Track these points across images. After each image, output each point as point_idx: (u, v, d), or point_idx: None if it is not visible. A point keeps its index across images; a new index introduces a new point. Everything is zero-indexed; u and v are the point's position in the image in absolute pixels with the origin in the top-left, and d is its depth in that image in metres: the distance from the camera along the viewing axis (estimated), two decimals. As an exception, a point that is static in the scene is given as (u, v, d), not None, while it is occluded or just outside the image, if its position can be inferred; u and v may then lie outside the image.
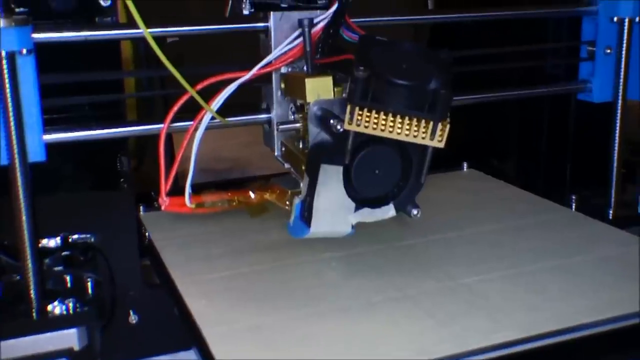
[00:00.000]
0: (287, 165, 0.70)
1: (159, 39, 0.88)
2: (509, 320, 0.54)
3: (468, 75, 0.93)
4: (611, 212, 0.86)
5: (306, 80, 0.62)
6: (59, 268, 0.70)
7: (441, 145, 0.58)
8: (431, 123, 0.57)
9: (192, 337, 0.56)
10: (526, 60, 0.93)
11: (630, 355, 0.55)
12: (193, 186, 0.70)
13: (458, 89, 0.86)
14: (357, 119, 0.57)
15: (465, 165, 0.95)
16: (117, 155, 0.74)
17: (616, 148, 0.85)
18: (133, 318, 0.75)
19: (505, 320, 0.54)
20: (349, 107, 0.56)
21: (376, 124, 0.57)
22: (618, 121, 0.84)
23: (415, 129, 0.57)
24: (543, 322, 0.53)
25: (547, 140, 0.97)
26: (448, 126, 0.57)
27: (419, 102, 0.57)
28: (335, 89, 0.63)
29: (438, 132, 0.57)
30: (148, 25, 0.63)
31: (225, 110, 0.68)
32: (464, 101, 0.87)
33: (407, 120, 0.57)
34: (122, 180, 0.74)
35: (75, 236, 0.73)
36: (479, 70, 0.87)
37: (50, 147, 0.65)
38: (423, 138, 0.57)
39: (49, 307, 0.65)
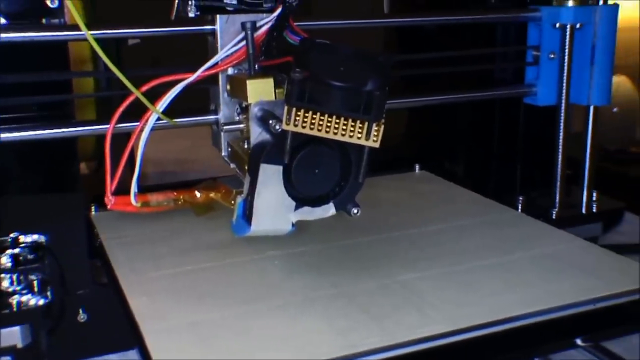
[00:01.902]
0: (232, 165, 0.72)
1: (118, 41, 0.90)
2: (440, 315, 0.55)
3: (422, 78, 0.96)
4: (555, 212, 0.88)
5: (247, 81, 0.64)
6: (6, 266, 0.71)
7: (376, 145, 0.59)
8: (366, 124, 0.58)
9: (133, 334, 0.57)
10: (477, 64, 0.95)
11: (553, 347, 0.57)
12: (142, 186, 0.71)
13: (410, 92, 0.89)
14: (295, 120, 0.58)
15: (417, 167, 0.97)
16: (70, 156, 0.75)
17: (560, 150, 0.88)
18: (82, 317, 0.75)
19: (435, 315, 0.55)
20: (286, 108, 0.58)
21: (313, 124, 0.58)
22: (562, 124, 0.87)
23: (352, 129, 0.59)
24: (472, 316, 0.55)
25: (498, 143, 0.99)
26: (382, 127, 0.59)
27: (354, 104, 0.58)
28: (277, 91, 0.65)
29: (373, 133, 0.59)
30: (90, 27, 0.63)
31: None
32: (415, 103, 0.89)
33: (343, 121, 0.58)
34: (74, 181, 0.75)
35: (26, 237, 0.74)
36: (432, 74, 0.89)
37: (5, 148, 0.66)
38: (359, 138, 0.59)
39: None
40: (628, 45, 1.32)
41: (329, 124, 0.58)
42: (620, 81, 1.30)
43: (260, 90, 0.64)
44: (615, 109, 1.30)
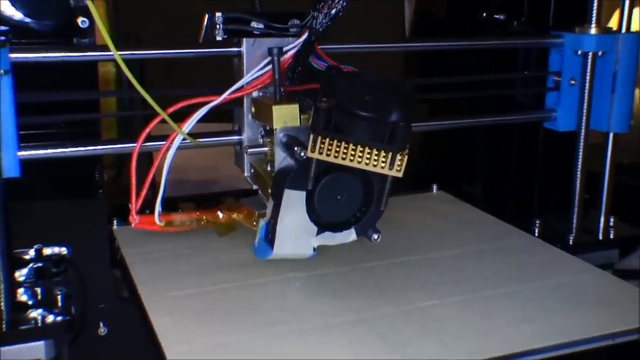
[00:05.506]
0: (255, 187, 0.73)
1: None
2: (459, 345, 0.56)
3: (442, 102, 0.97)
4: (572, 237, 0.88)
5: (273, 107, 0.65)
6: (31, 280, 0.72)
7: (399, 175, 0.60)
8: (390, 154, 0.59)
9: (155, 353, 0.58)
10: (498, 89, 0.96)
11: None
12: (165, 200, 0.72)
13: (431, 114, 0.89)
14: (320, 147, 0.59)
15: (435, 187, 0.97)
16: (94, 170, 0.76)
17: (579, 175, 0.88)
18: (102, 330, 0.77)
19: (454, 345, 0.56)
20: (312, 136, 0.59)
21: (338, 152, 0.59)
22: (581, 149, 0.87)
23: (375, 158, 0.60)
24: (490, 347, 0.56)
25: (516, 166, 1.00)
26: (406, 157, 0.60)
27: (379, 134, 0.59)
28: (302, 116, 0.66)
29: (397, 163, 0.60)
30: (120, 48, 0.65)
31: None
32: (438, 126, 0.90)
33: (367, 150, 0.60)
34: (99, 192, 0.77)
35: (49, 249, 0.75)
36: (453, 97, 0.90)
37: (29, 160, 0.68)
38: (382, 167, 0.60)
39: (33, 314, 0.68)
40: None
41: (353, 153, 0.60)
42: (635, 94, 1.30)
43: (286, 116, 0.65)
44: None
